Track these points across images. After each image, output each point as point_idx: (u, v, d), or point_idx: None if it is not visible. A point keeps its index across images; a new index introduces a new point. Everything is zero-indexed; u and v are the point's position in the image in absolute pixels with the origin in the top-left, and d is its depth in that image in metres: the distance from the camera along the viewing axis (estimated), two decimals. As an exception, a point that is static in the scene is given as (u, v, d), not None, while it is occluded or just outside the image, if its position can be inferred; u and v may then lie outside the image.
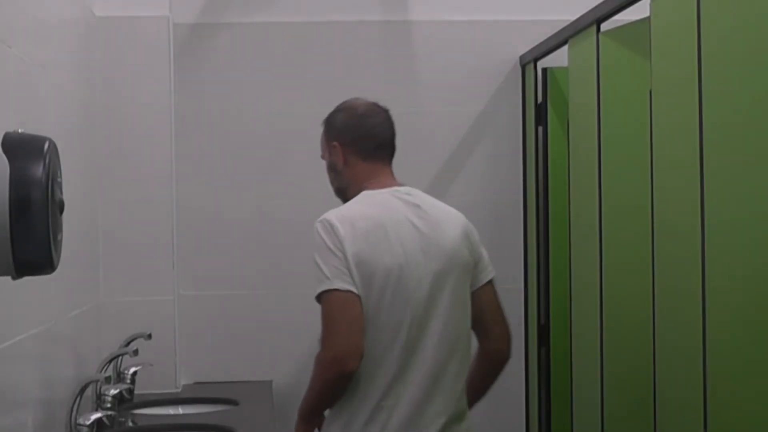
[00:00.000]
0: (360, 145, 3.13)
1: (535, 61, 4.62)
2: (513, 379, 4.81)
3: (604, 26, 3.68)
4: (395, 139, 3.21)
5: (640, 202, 3.29)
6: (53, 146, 2.03)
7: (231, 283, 4.66)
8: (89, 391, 3.49)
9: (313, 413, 3.00)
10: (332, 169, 3.17)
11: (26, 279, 2.04)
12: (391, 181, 3.15)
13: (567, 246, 4.14)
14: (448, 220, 3.08)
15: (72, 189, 2.92)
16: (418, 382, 2.94)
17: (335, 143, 3.14)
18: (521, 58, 4.77)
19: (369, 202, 3.04)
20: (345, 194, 3.14)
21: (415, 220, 3.02)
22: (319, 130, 4.70)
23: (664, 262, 3.08)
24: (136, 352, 3.79)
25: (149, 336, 4.03)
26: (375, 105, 3.20)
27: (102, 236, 4.26)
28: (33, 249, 1.94)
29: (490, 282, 3.11)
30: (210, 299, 4.65)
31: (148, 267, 4.36)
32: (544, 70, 4.63)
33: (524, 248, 4.80)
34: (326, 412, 3.02)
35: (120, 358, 3.93)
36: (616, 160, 3.63)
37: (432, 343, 2.95)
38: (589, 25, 3.72)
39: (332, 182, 3.19)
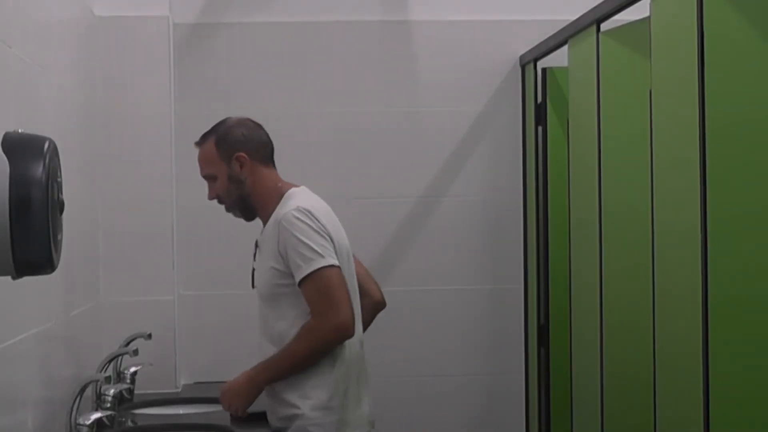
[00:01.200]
0: (262, 152, 3.46)
1: (535, 60, 4.62)
2: (513, 379, 4.82)
3: (604, 26, 3.68)
4: None
5: (640, 201, 3.29)
6: (53, 146, 2.02)
7: (231, 283, 4.65)
8: (89, 391, 3.49)
9: (279, 379, 3.33)
10: (234, 180, 3.44)
11: (26, 279, 2.03)
12: (292, 183, 3.47)
13: (567, 246, 4.14)
14: None
15: (72, 189, 2.93)
16: (363, 343, 3.43)
17: (241, 154, 3.42)
18: (521, 57, 4.77)
19: (312, 197, 3.42)
20: (248, 202, 3.45)
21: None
22: (319, 128, 4.74)
23: (665, 262, 3.08)
24: (136, 352, 3.79)
25: (149, 336, 4.02)
26: (251, 119, 3.53)
27: (102, 236, 4.26)
28: (33, 249, 1.94)
29: None
30: (210, 299, 4.65)
31: (148, 267, 4.35)
32: (544, 69, 4.63)
33: (524, 248, 4.80)
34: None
35: (120, 357, 3.93)
36: (616, 159, 3.63)
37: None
38: (589, 24, 3.72)
39: (230, 194, 3.46)
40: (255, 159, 3.43)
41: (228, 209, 3.51)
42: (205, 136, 3.48)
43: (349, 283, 3.34)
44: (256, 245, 3.50)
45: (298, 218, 3.27)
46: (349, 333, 3.27)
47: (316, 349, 3.28)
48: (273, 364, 3.33)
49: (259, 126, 3.51)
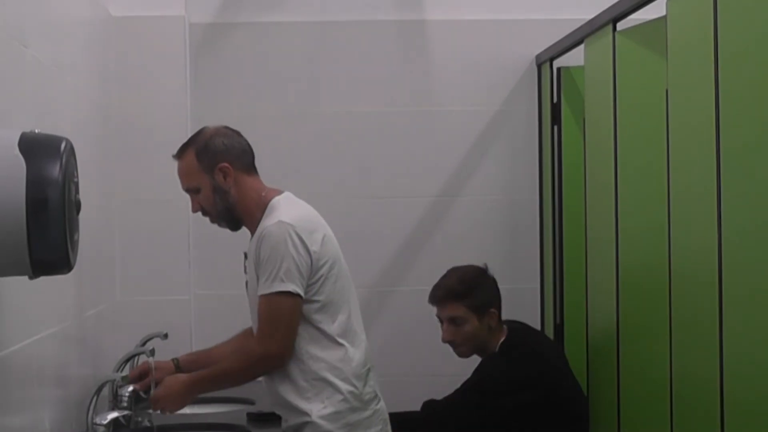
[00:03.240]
0: (243, 161, 3.39)
1: (551, 60, 4.61)
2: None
3: (621, 25, 3.67)
4: None
5: (657, 201, 3.28)
6: (70, 146, 2.03)
7: (247, 283, 4.66)
8: (106, 391, 3.50)
9: (215, 390, 3.46)
10: (218, 191, 3.36)
11: (43, 278, 2.04)
12: (274, 188, 3.41)
13: (583, 245, 4.13)
14: None
15: (88, 188, 2.93)
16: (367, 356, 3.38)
17: (224, 164, 3.35)
18: (537, 57, 4.77)
19: (296, 205, 3.35)
20: (233, 212, 3.37)
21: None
22: (335, 127, 4.74)
23: (681, 261, 3.07)
24: (152, 352, 3.79)
25: (165, 335, 4.03)
26: (228, 127, 3.46)
27: (118, 236, 4.27)
28: (49, 249, 1.95)
29: None
30: (226, 298, 4.65)
31: (164, 266, 4.36)
32: (560, 69, 4.62)
33: (540, 247, 4.79)
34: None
35: (136, 357, 3.93)
36: (631, 159, 3.62)
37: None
38: (606, 24, 3.71)
39: (214, 205, 3.38)
40: (237, 168, 3.35)
41: (213, 221, 3.43)
42: (183, 149, 3.41)
43: (341, 284, 3.30)
44: (245, 256, 3.46)
45: (276, 234, 3.20)
46: (278, 365, 3.23)
47: (246, 371, 3.33)
48: (209, 377, 3.37)
49: (238, 133, 3.43)
